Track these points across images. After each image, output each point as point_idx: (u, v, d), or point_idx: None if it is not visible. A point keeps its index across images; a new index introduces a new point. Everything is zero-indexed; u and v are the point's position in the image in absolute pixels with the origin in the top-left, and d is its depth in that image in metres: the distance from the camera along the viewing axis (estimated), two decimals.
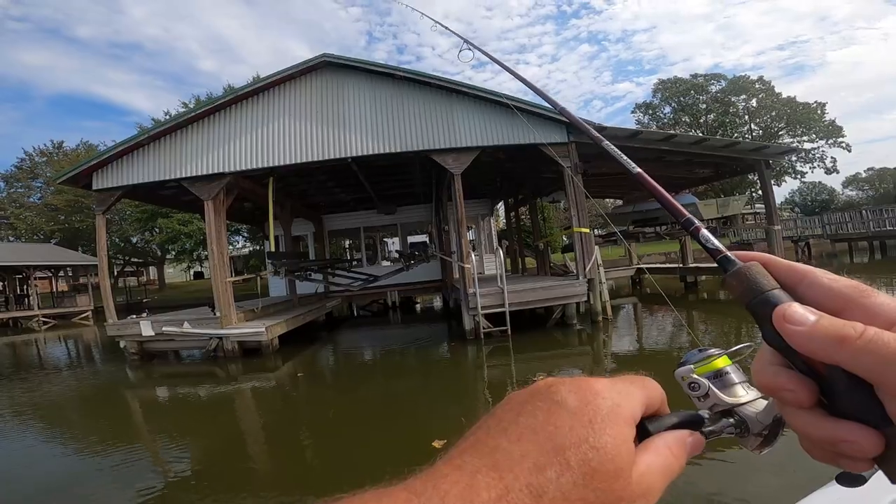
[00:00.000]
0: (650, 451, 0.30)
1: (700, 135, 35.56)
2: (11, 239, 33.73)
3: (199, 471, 4.36)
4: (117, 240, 33.10)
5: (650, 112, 44.74)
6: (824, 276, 0.29)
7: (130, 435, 5.62)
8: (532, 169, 12.47)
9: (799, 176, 42.34)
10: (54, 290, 27.19)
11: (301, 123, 9.93)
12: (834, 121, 40.01)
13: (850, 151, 40.52)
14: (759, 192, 21.41)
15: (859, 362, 0.25)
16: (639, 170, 0.45)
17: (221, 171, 9.84)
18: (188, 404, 7.01)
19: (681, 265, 16.03)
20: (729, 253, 0.32)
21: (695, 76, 43.33)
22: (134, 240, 35.13)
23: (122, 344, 10.08)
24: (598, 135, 0.56)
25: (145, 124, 33.13)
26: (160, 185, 10.43)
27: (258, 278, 12.88)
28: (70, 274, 28.70)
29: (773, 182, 14.96)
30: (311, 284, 13.96)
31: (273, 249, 12.15)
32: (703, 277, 15.64)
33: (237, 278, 11.35)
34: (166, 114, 34.31)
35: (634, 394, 0.31)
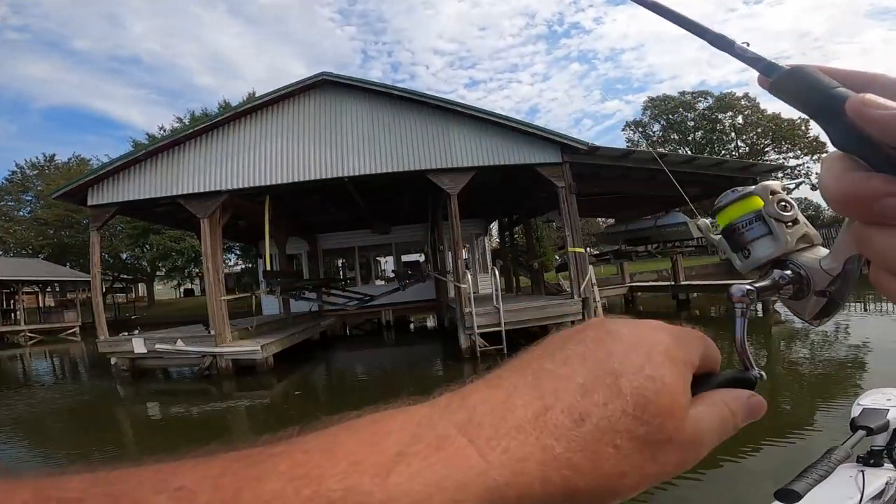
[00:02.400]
0: (706, 402, 0.27)
1: (689, 152, 36.36)
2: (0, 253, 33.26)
3: None
4: (107, 256, 32.74)
5: (640, 130, 45.47)
6: None
7: (125, 455, 5.52)
8: (526, 189, 12.65)
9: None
10: (41, 305, 26.78)
11: (299, 142, 10.00)
12: (818, 136, 40.79)
13: None
14: None
15: None
16: None
17: (218, 188, 9.85)
18: (183, 422, 6.92)
19: (673, 283, 16.19)
20: (773, 60, 0.26)
21: (683, 94, 44.25)
22: (124, 256, 34.80)
23: (113, 360, 9.95)
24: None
25: (139, 139, 33.19)
26: (155, 202, 10.42)
27: (253, 296, 12.81)
28: (58, 289, 28.30)
29: None
30: (305, 303, 13.93)
31: (269, 268, 12.12)
32: (696, 295, 15.80)
33: (232, 297, 11.29)
34: (161, 129, 34.37)
35: (694, 341, 0.29)
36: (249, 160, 9.92)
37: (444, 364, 9.68)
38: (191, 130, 10.14)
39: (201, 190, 9.83)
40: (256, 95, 10.61)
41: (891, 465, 1.60)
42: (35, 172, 36.65)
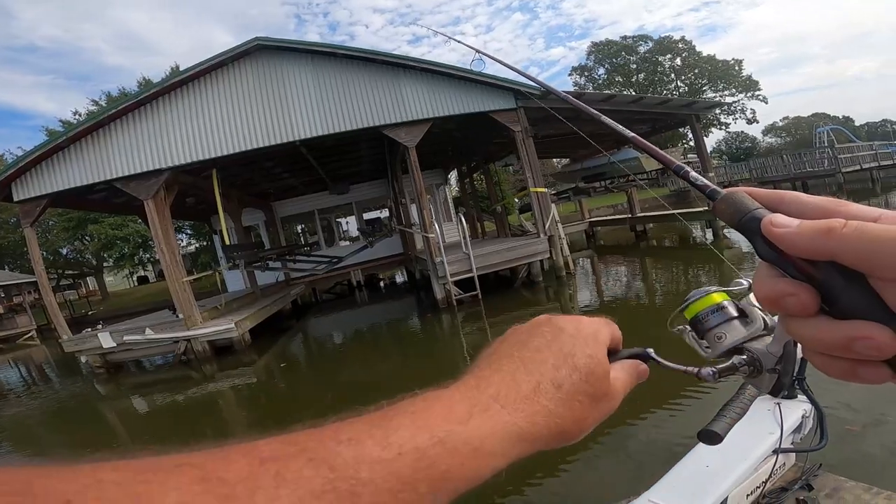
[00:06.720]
0: (616, 368, 0.42)
1: (635, 94, 37.01)
2: None
3: None
4: (45, 253, 30.62)
5: (586, 74, 46.00)
6: (802, 195, 0.30)
7: (125, 450, 5.47)
8: (483, 136, 12.60)
9: (724, 127, 45.07)
10: None
11: (240, 111, 9.51)
12: (750, 76, 42.59)
13: (766, 103, 43.68)
14: (692, 143, 22.78)
15: (849, 248, 0.25)
16: (633, 134, 0.47)
17: (158, 167, 9.29)
18: (174, 411, 6.83)
19: (629, 216, 16.85)
20: (716, 186, 0.33)
21: (624, 38, 44.98)
22: (64, 251, 32.67)
23: (83, 359, 9.58)
24: (594, 111, 0.57)
25: (52, 127, 30.45)
26: (88, 188, 9.74)
27: (216, 274, 12.44)
28: (2, 295, 26.43)
29: (702, 133, 15.86)
30: (271, 274, 13.68)
31: (227, 242, 11.73)
32: (651, 225, 16.54)
33: (193, 277, 10.91)
34: (75, 114, 31.68)
35: (606, 328, 0.43)
36: (188, 134, 9.37)
37: (423, 317, 9.87)
38: (114, 110, 9.34)
39: (139, 171, 9.25)
40: (181, 69, 9.80)
41: (803, 397, 1.66)
42: None
